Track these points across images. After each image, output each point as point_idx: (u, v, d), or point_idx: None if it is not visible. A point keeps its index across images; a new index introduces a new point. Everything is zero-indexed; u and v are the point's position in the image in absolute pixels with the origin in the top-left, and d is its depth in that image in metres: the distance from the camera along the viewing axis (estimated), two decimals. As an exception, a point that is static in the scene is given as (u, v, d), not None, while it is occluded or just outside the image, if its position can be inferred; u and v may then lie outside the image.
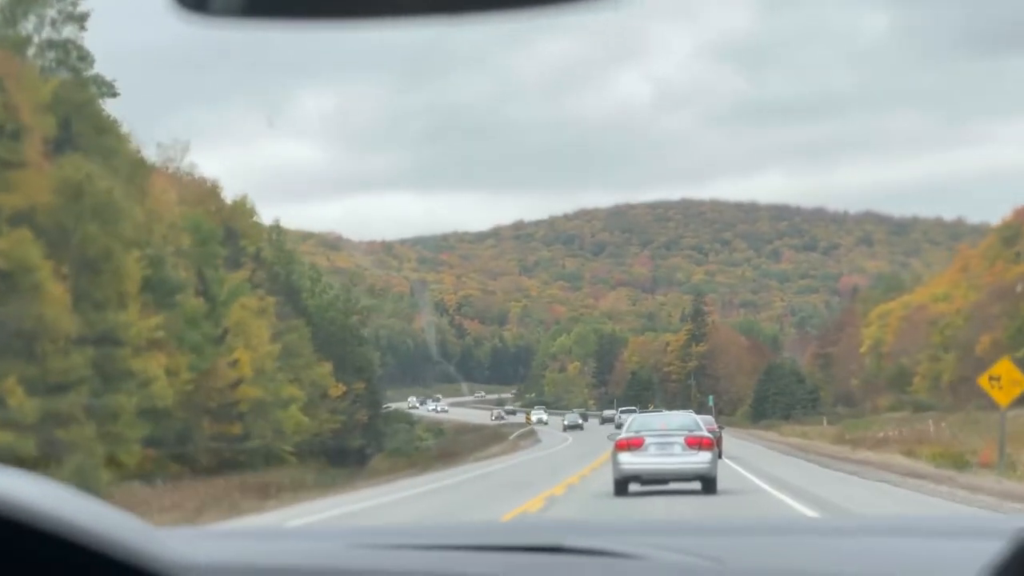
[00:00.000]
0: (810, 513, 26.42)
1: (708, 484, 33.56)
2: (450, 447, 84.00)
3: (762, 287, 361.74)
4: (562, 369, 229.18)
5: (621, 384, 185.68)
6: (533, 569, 2.51)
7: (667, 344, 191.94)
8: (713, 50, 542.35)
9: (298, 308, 78.36)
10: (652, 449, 33.30)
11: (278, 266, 77.61)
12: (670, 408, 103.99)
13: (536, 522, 9.43)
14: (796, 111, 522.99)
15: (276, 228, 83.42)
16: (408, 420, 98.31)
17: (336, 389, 79.46)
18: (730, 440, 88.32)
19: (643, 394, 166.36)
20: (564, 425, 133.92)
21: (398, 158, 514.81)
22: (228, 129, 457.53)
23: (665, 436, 33.63)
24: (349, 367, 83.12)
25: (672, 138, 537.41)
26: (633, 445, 33.37)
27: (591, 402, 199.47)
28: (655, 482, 33.82)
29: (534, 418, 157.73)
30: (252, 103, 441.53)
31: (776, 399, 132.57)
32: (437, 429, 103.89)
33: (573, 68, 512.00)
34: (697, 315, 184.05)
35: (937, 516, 6.95)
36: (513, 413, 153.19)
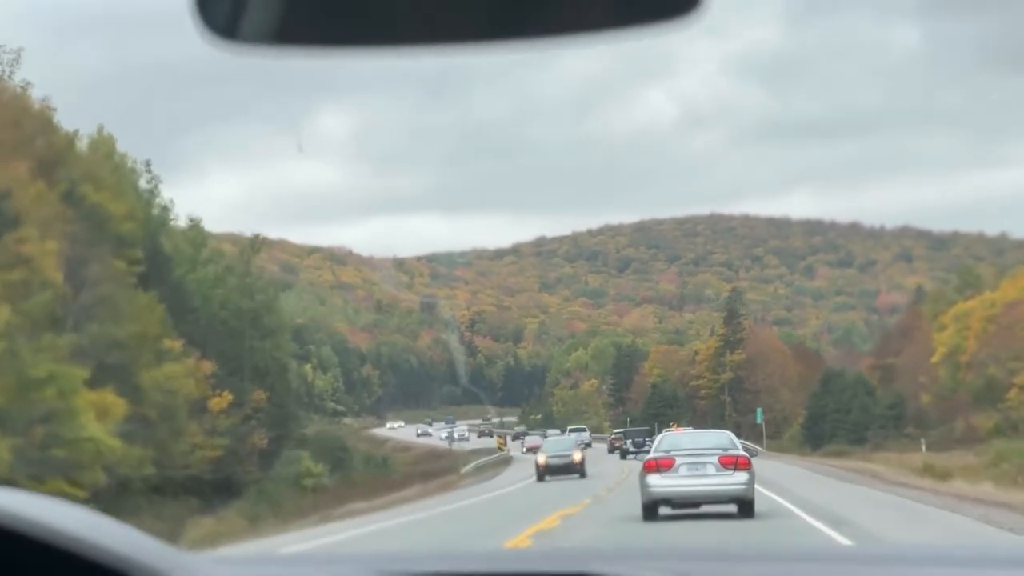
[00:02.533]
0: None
1: (745, 507, 31.56)
2: (351, 486, 58.79)
3: (796, 304, 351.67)
4: (575, 386, 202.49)
5: (641, 402, 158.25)
6: None
7: (695, 353, 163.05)
8: (739, 67, 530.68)
9: (166, 280, 54.53)
10: (683, 470, 31.74)
11: (124, 219, 53.39)
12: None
13: (560, 549, 9.08)
14: (825, 129, 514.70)
15: (148, 168, 59.99)
16: (341, 446, 73.58)
17: (219, 400, 55.58)
18: (839, 492, 44.20)
19: (666, 412, 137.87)
20: (541, 467, 68.07)
21: (419, 177, 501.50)
22: (250, 147, 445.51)
23: (697, 456, 31.98)
24: (246, 370, 59.03)
25: (699, 156, 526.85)
26: (663, 466, 31.84)
27: (606, 423, 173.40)
28: (687, 505, 31.95)
29: (547, 451, 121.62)
30: (274, 121, 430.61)
31: (837, 417, 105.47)
32: (380, 459, 79.44)
33: (597, 86, 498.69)
34: (731, 318, 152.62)
35: (975, 544, 7.10)
36: (466, 439, 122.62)
